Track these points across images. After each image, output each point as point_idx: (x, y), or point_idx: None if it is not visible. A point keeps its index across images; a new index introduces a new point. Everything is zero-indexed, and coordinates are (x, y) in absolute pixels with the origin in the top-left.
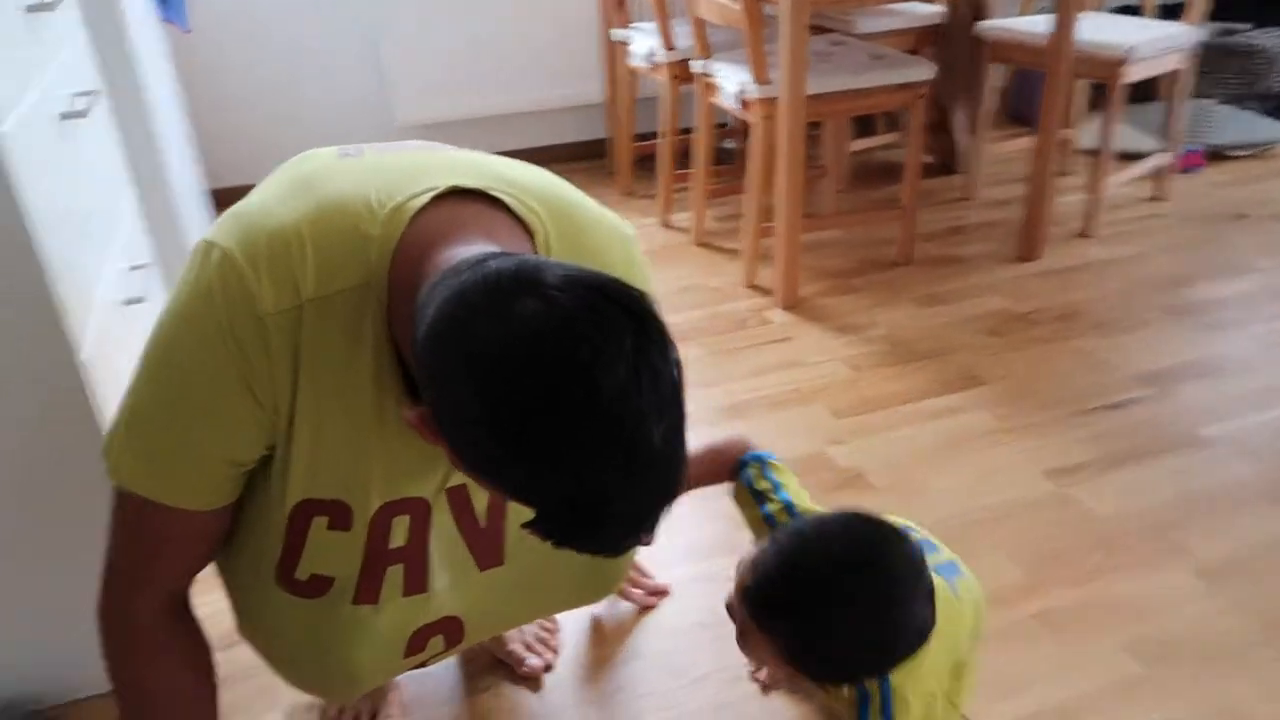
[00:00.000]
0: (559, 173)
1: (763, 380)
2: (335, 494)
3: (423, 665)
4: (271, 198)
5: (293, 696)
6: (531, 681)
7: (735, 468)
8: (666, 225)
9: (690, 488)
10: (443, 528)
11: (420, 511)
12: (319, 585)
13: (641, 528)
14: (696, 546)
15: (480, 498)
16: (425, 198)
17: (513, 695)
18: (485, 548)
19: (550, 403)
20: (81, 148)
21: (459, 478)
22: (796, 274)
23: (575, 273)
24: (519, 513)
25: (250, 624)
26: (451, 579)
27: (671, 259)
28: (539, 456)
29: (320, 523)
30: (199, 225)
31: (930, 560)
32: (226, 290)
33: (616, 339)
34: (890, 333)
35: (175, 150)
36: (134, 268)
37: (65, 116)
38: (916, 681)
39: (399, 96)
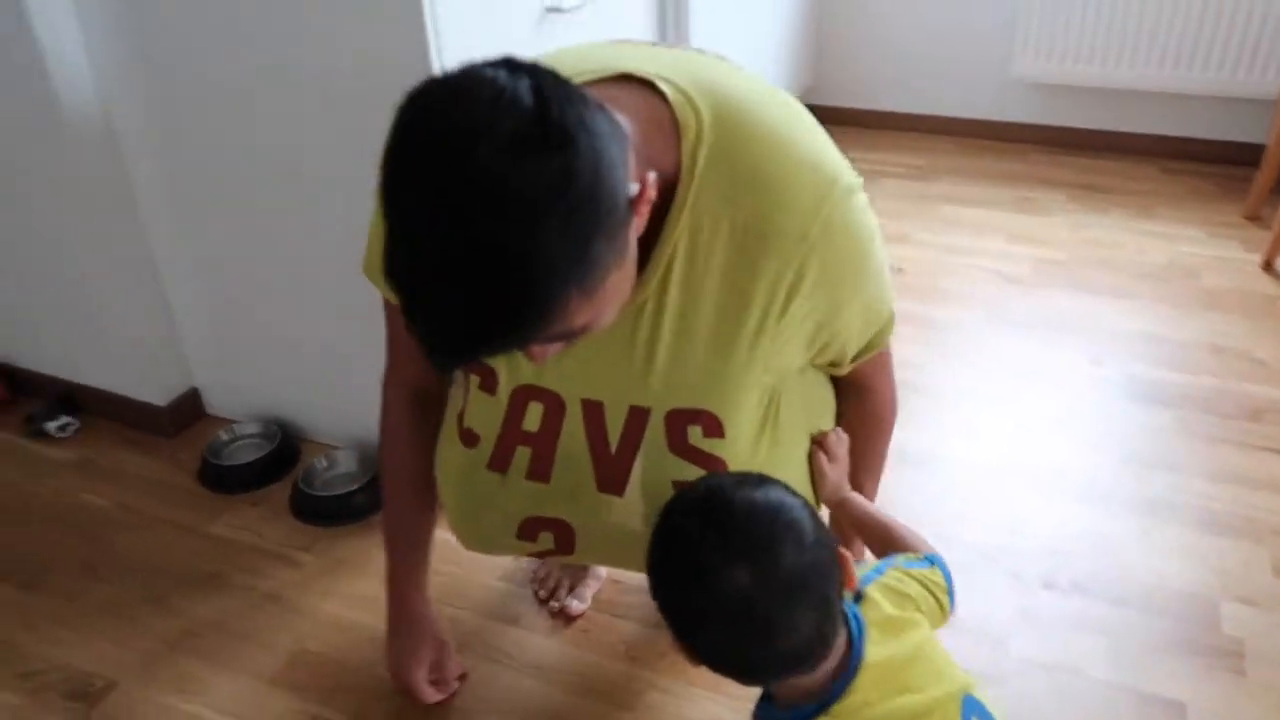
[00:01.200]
0: (1177, 171)
1: (1234, 491)
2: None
3: (539, 556)
4: None
5: (508, 562)
6: None
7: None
8: (1268, 268)
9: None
10: (573, 434)
11: (554, 406)
12: (472, 438)
13: (435, 306)
14: None
15: (616, 426)
16: (587, 76)
17: None
18: (608, 472)
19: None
20: None
21: (595, 391)
22: None
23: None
24: (654, 461)
25: (440, 461)
26: (572, 486)
27: (1237, 309)
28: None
29: (475, 380)
30: None
31: None
32: None
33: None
34: None
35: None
36: None
37: None
38: None
39: (1022, 49)
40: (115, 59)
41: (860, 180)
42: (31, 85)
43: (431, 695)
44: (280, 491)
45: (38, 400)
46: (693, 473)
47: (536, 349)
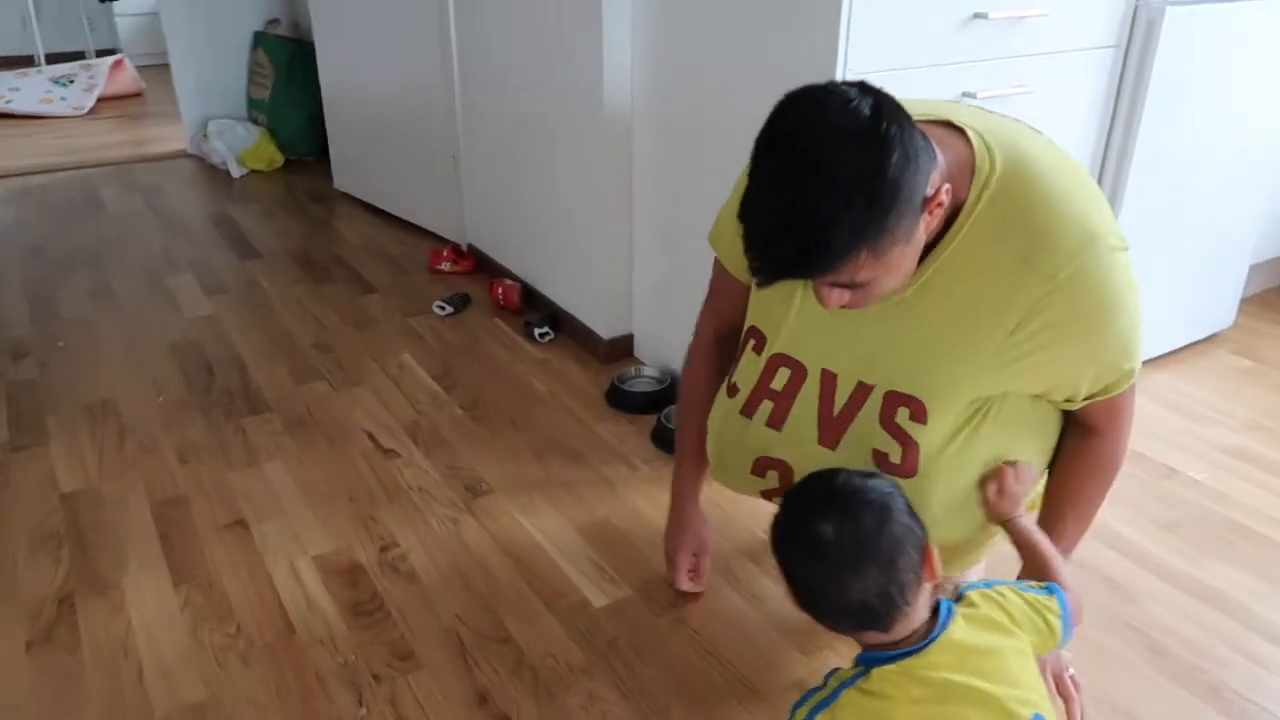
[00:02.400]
0: None
1: None
2: (763, 324)
3: (765, 495)
4: None
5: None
6: None
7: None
8: None
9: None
10: (808, 396)
11: (799, 373)
12: (734, 390)
13: (770, 233)
14: None
15: (843, 396)
16: (921, 116)
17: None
18: (828, 429)
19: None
20: None
21: (835, 364)
22: None
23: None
24: (864, 428)
25: (713, 434)
26: (798, 436)
27: None
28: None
29: (751, 344)
30: None
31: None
32: None
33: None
34: None
35: None
36: None
37: None
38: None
39: None
40: (646, 70)
41: (1126, 245)
42: (591, 84)
43: (686, 583)
44: (651, 422)
45: (537, 313)
46: (891, 445)
47: (827, 291)
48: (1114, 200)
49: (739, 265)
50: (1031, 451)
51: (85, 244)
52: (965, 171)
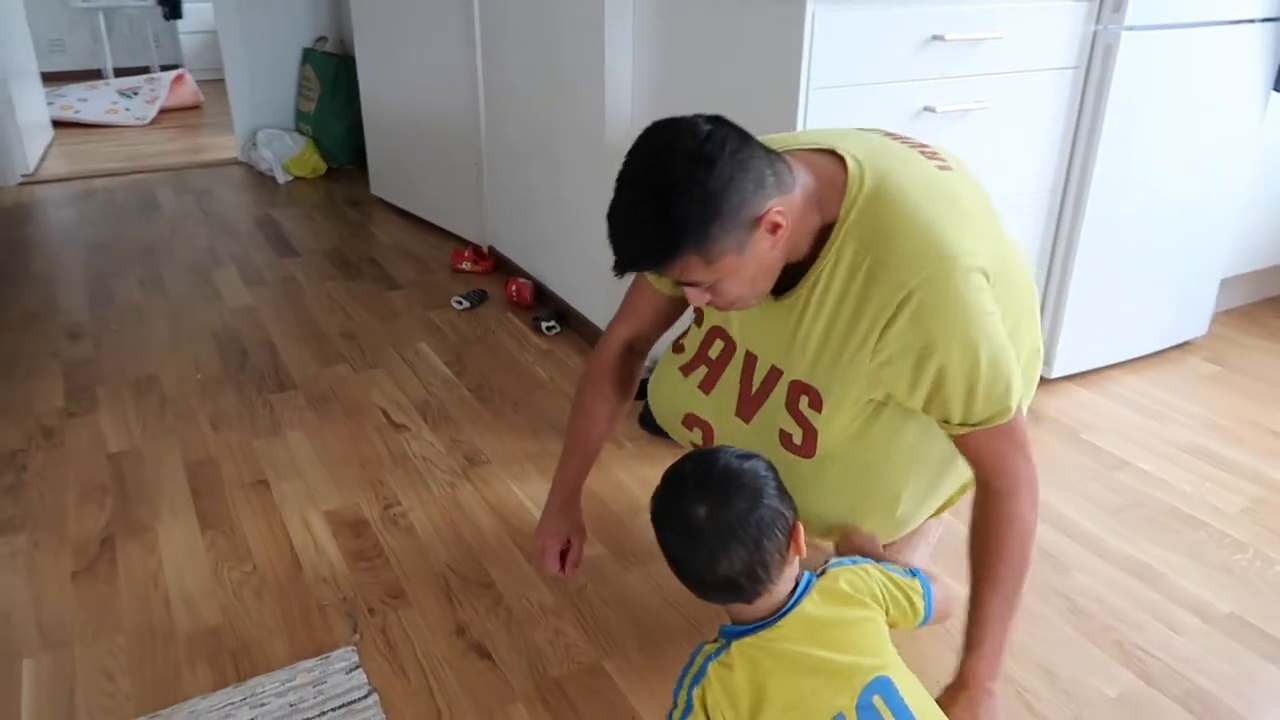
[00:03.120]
0: None
1: None
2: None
3: (693, 446)
4: None
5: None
6: None
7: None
8: None
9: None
10: (734, 370)
11: (730, 346)
12: (679, 348)
13: (618, 229)
14: None
15: (759, 376)
16: (806, 145)
17: None
18: (744, 405)
19: (627, 162)
20: None
21: (755, 348)
22: None
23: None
24: (773, 410)
25: (653, 382)
26: (721, 405)
27: None
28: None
29: (694, 317)
30: None
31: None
32: None
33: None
34: None
35: None
36: None
37: None
38: (730, 701)
39: None
40: (644, 95)
41: (984, 267)
42: (595, 108)
43: (552, 566)
44: (639, 407)
45: (546, 308)
46: (794, 428)
47: (686, 290)
48: (1077, 212)
49: (658, 280)
50: (922, 470)
51: (140, 240)
52: (839, 188)
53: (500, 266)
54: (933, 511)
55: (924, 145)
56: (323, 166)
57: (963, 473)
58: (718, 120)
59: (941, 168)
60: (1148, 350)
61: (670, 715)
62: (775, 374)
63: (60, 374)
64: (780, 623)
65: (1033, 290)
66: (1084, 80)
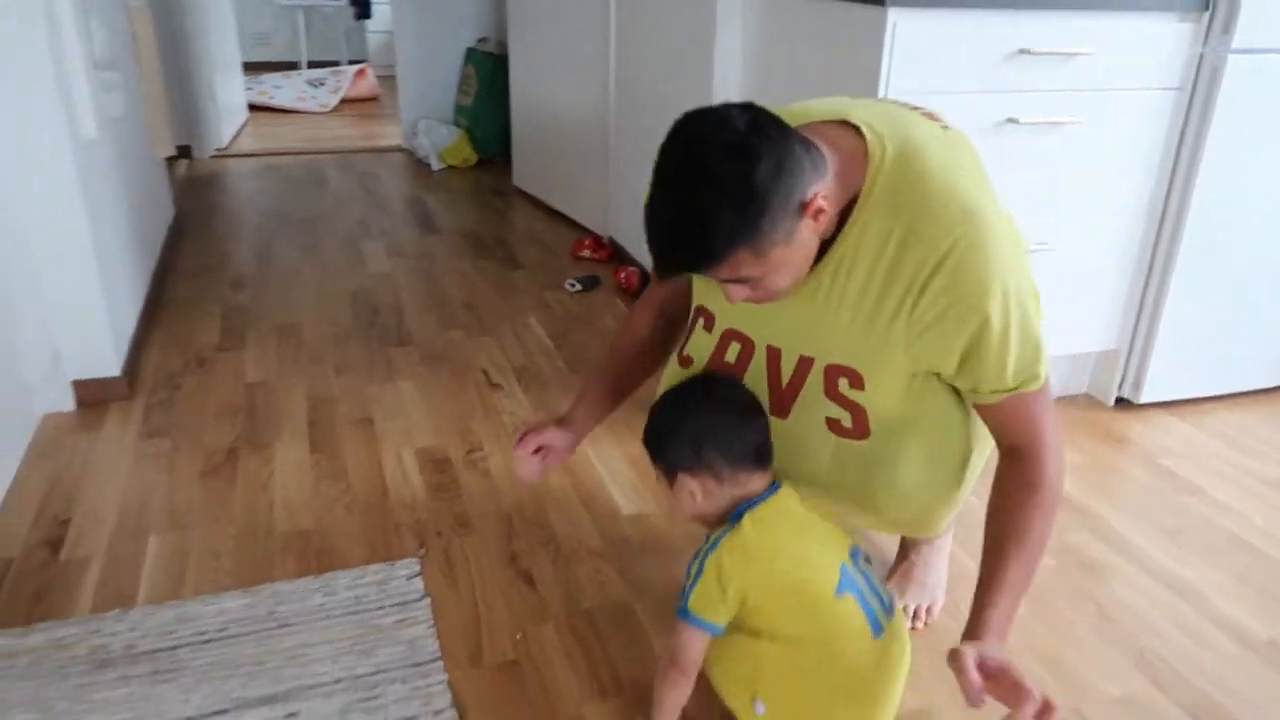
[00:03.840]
0: None
1: None
2: (710, 304)
3: None
4: None
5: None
6: None
7: None
8: None
9: None
10: (758, 369)
11: (748, 347)
12: (687, 361)
13: (660, 233)
14: None
15: (789, 368)
16: (818, 117)
17: None
18: (779, 400)
19: (661, 159)
20: None
21: (777, 340)
22: None
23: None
24: (812, 400)
25: (663, 377)
26: None
27: None
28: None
29: (701, 321)
30: None
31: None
32: None
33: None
34: None
35: None
36: None
37: None
38: (745, 559)
39: None
40: (751, 92)
41: (1008, 217)
42: (704, 78)
43: (523, 457)
44: None
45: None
46: (840, 413)
47: (728, 288)
48: (1175, 235)
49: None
50: (953, 443)
51: (306, 211)
52: (860, 161)
53: (616, 255)
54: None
55: (920, 107)
56: (474, 157)
57: (980, 459)
58: (752, 108)
59: (945, 128)
60: (1252, 386)
61: (682, 590)
62: (806, 362)
63: (220, 316)
64: (779, 492)
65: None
66: (1188, 102)
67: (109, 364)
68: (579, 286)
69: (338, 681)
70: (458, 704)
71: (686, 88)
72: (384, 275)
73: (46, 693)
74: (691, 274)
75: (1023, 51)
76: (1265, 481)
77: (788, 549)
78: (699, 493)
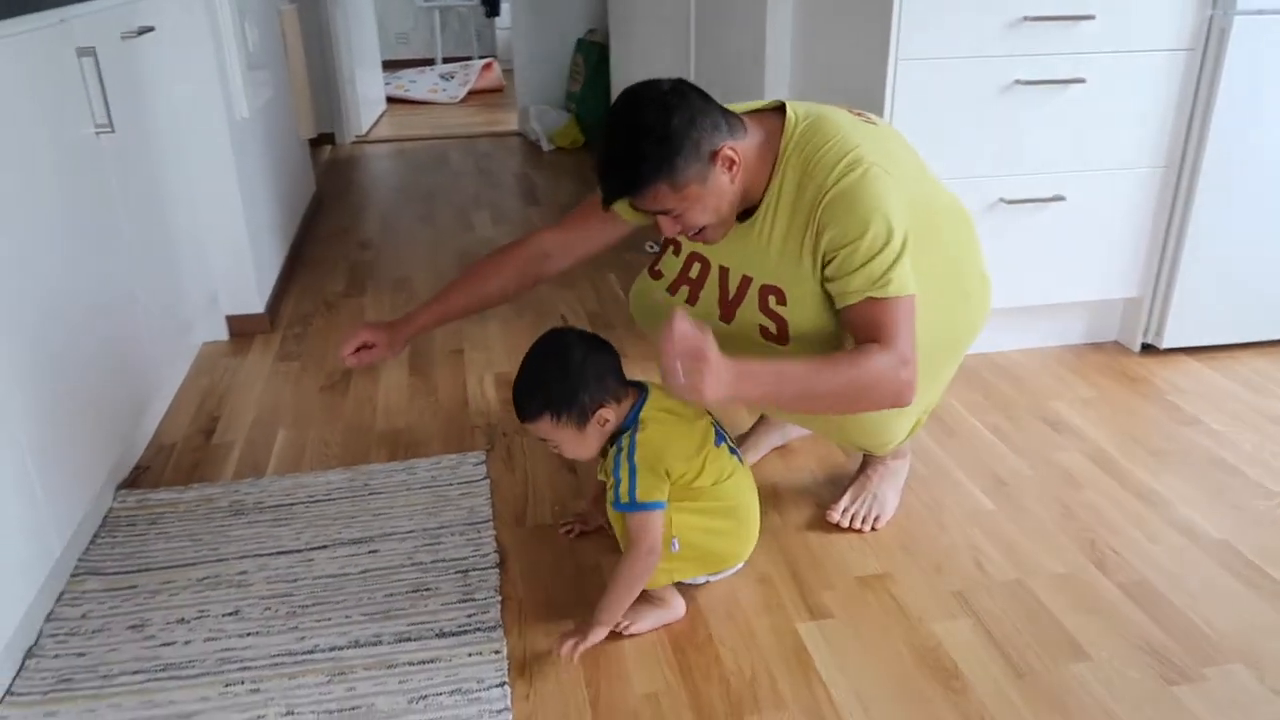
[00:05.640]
0: None
1: None
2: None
3: None
4: None
5: None
6: None
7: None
8: None
9: None
10: (712, 284)
11: (706, 267)
12: (658, 274)
13: (600, 167)
14: None
15: (733, 284)
16: (759, 105)
17: None
18: (726, 309)
19: (607, 117)
20: None
21: (727, 263)
22: None
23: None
24: (749, 310)
25: (636, 286)
26: (706, 311)
27: None
28: None
29: (671, 248)
30: None
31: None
32: None
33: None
34: None
35: None
36: None
37: None
38: (663, 442)
39: None
40: (801, 69)
41: (880, 168)
42: (753, 78)
43: (346, 348)
44: None
45: None
46: (768, 322)
47: (660, 220)
48: (1190, 192)
49: (633, 213)
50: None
51: (427, 187)
52: (779, 133)
53: None
54: (910, 427)
55: (864, 114)
56: (581, 139)
57: (934, 392)
58: (678, 81)
59: (872, 123)
60: (1269, 336)
61: (618, 491)
62: (746, 281)
63: (347, 270)
64: (651, 392)
65: (971, 225)
66: (1200, 62)
67: (255, 303)
68: (655, 247)
69: (409, 532)
70: (500, 551)
71: (746, 67)
72: (487, 239)
73: (196, 529)
74: (623, 201)
75: (1026, 19)
76: (1270, 417)
77: (679, 426)
78: (612, 418)
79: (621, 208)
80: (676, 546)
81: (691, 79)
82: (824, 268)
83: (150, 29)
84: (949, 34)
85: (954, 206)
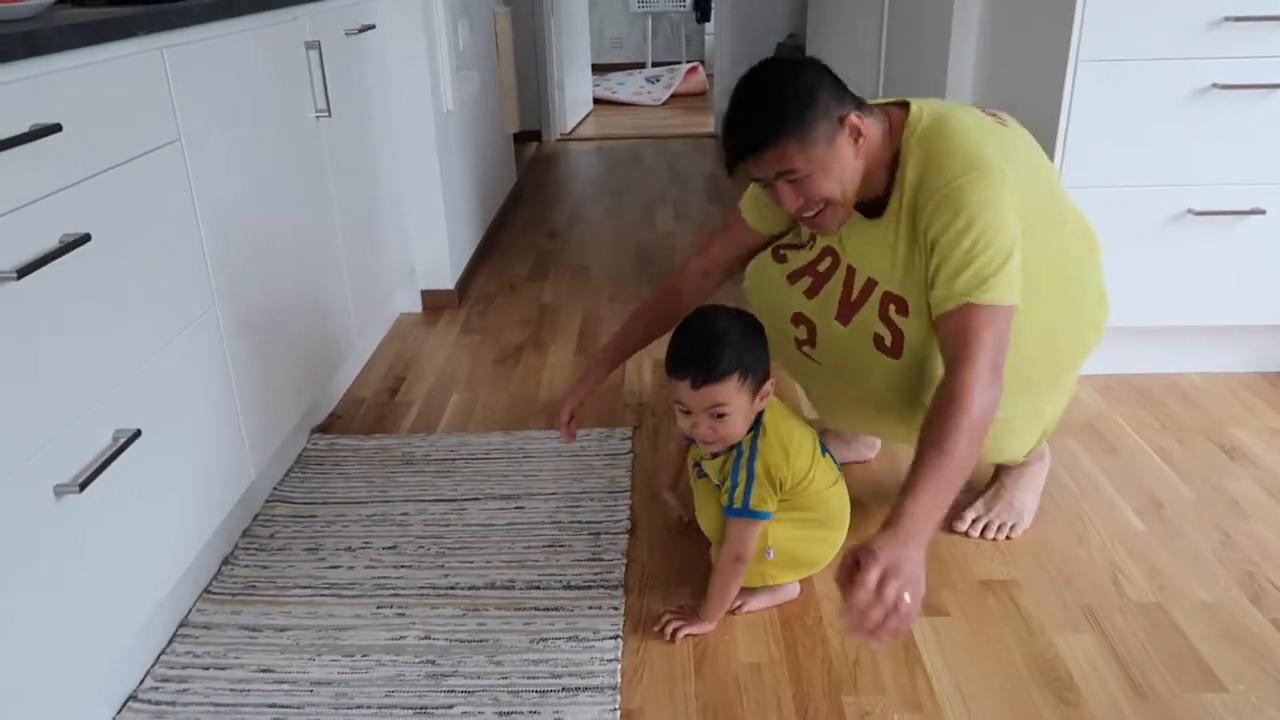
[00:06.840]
0: None
1: None
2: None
3: (797, 344)
4: None
5: None
6: None
7: None
8: None
9: None
10: (837, 281)
11: (836, 262)
12: (781, 258)
13: (729, 125)
14: None
15: (858, 286)
16: (888, 99)
17: None
18: (844, 310)
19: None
20: None
21: (856, 263)
22: None
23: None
24: (867, 316)
25: (753, 267)
26: (824, 308)
27: None
28: None
29: (807, 245)
30: None
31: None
32: None
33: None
34: None
35: None
36: None
37: None
38: (783, 454)
39: None
40: (984, 75)
41: (999, 170)
42: (936, 84)
43: (569, 429)
44: None
45: None
46: (885, 332)
47: (783, 188)
48: None
49: (760, 220)
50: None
51: (618, 183)
52: (903, 125)
53: None
54: (1035, 439)
55: (998, 114)
56: None
57: (1055, 404)
58: (809, 58)
59: (1000, 123)
60: None
61: (732, 495)
62: (871, 284)
63: (534, 256)
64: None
65: (1095, 239)
66: None
67: (446, 280)
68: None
69: (553, 494)
70: (633, 519)
71: (930, 73)
72: (667, 233)
73: (371, 473)
74: (748, 162)
75: (1228, 19)
76: None
77: (795, 435)
78: (769, 395)
79: (749, 209)
80: (771, 555)
81: (880, 84)
82: (927, 269)
83: (371, 27)
84: (1137, 34)
85: (1079, 217)
